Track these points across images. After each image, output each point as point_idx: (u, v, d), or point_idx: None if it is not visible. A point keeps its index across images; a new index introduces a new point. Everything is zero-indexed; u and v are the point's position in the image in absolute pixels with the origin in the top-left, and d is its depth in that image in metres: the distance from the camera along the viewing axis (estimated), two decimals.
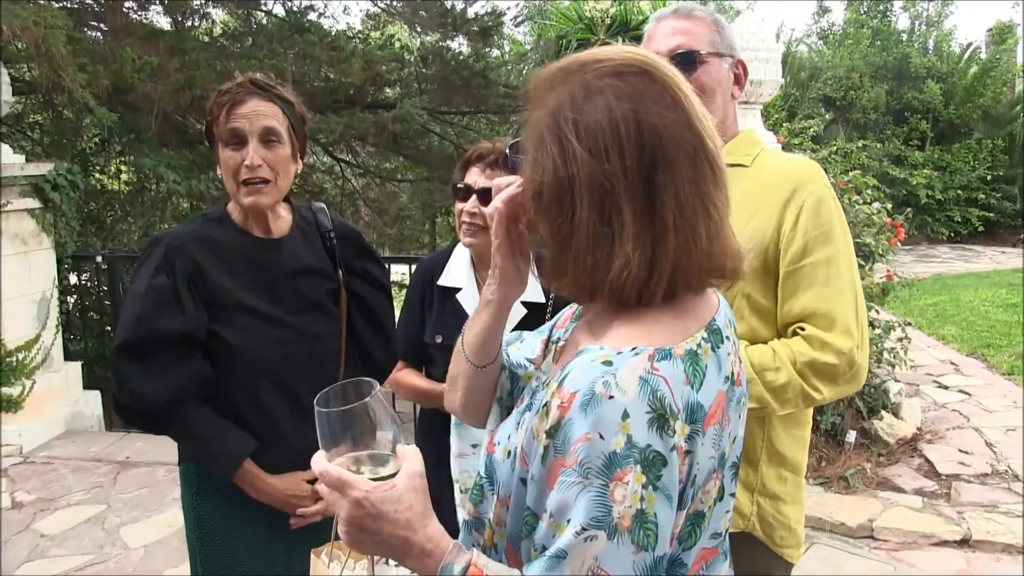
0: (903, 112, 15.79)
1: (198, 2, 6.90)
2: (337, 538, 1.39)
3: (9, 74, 5.25)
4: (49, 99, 6.36)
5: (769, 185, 1.61)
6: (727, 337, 0.98)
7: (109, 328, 6.03)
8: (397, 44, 7.97)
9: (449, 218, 10.01)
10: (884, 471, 4.41)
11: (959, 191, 15.15)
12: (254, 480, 1.79)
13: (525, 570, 0.86)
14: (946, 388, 6.08)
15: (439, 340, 2.11)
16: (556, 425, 0.84)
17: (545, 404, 0.87)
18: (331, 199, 7.85)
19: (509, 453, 0.96)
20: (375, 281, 2.02)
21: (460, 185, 2.04)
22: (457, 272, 2.15)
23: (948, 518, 3.89)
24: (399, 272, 7.68)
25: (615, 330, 0.92)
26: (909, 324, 6.22)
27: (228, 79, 1.83)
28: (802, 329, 1.55)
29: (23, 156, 5.32)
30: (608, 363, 0.85)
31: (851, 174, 5.47)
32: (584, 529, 0.81)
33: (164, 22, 6.96)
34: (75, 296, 6.21)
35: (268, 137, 1.73)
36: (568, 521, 0.82)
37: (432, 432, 2.15)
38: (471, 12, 7.32)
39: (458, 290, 2.13)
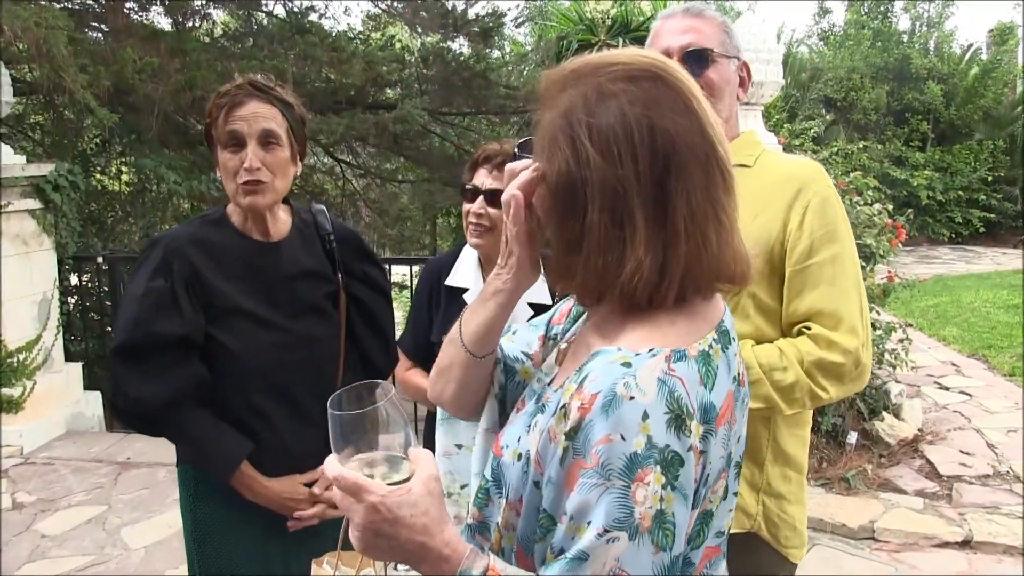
0: (904, 113, 15.79)
1: (199, 3, 6.91)
2: (344, 548, 1.37)
3: (10, 75, 5.26)
4: (50, 100, 6.37)
5: (773, 185, 1.62)
6: (733, 338, 0.98)
7: (110, 329, 6.03)
8: (398, 45, 7.98)
9: (450, 219, 10.01)
10: (885, 472, 4.41)
11: (960, 192, 15.14)
12: (251, 483, 1.78)
13: (544, 571, 0.85)
14: (947, 389, 6.08)
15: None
16: (576, 427, 0.84)
17: (563, 406, 0.87)
18: (332, 200, 7.85)
19: (519, 456, 0.95)
20: (375, 284, 2.02)
21: (468, 186, 2.04)
22: (465, 272, 2.16)
23: (949, 519, 3.88)
24: (400, 273, 7.68)
25: (630, 332, 0.92)
26: (910, 325, 6.22)
27: (229, 80, 1.82)
28: (808, 328, 1.55)
29: (24, 157, 5.33)
30: (627, 364, 0.86)
31: (852, 175, 5.47)
32: (606, 531, 0.81)
33: (165, 23, 6.97)
34: (76, 297, 6.21)
35: (267, 139, 1.73)
36: (589, 523, 0.82)
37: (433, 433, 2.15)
38: (472, 13, 7.32)
39: (465, 290, 2.13)
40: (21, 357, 4.97)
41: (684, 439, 0.84)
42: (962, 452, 4.73)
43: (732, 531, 1.56)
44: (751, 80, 1.75)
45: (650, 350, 0.88)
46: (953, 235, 15.35)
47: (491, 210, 1.98)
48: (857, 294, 1.57)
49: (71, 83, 4.81)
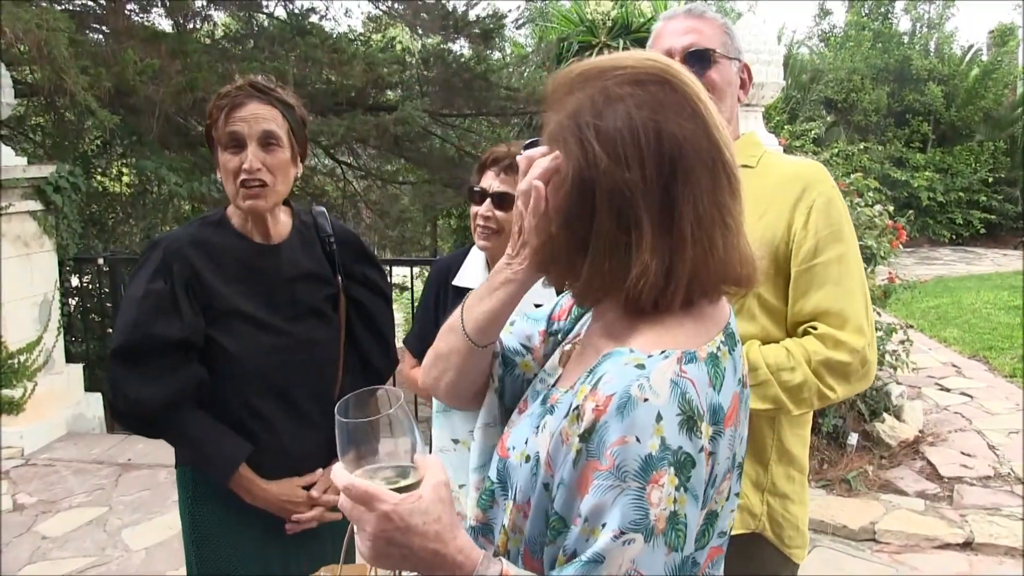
0: (904, 114, 15.78)
1: (200, 4, 6.91)
2: (348, 561, 1.35)
3: (11, 76, 5.26)
4: (51, 101, 6.38)
5: (776, 186, 1.62)
6: (738, 340, 0.99)
7: (111, 330, 6.03)
8: (398, 46, 7.98)
9: (450, 220, 10.02)
10: (886, 474, 4.41)
11: (960, 193, 15.13)
12: (249, 485, 1.78)
13: (556, 574, 0.85)
14: (948, 391, 6.07)
15: None
16: (591, 428, 0.83)
17: (576, 408, 0.87)
18: (332, 201, 7.85)
19: (528, 458, 0.95)
20: (375, 287, 2.01)
21: (475, 189, 2.04)
22: (472, 273, 2.16)
23: (950, 521, 3.88)
24: (400, 275, 7.68)
25: (640, 334, 0.93)
26: (911, 326, 6.22)
27: (230, 81, 1.82)
28: (814, 328, 1.55)
29: (25, 158, 5.34)
30: (641, 366, 0.86)
31: (853, 176, 5.48)
32: (622, 532, 0.81)
33: (166, 24, 6.97)
34: (77, 298, 6.21)
35: (267, 140, 1.72)
36: (603, 525, 0.82)
37: None
38: (472, 14, 7.32)
39: (472, 291, 2.13)
40: (22, 359, 4.97)
41: (696, 440, 0.84)
42: (963, 453, 4.72)
43: (737, 532, 1.58)
44: (752, 81, 1.75)
45: (662, 352, 0.88)
46: (954, 236, 15.34)
47: (498, 213, 1.98)
48: (862, 293, 1.58)
49: (72, 85, 4.81)
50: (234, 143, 1.72)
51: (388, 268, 7.71)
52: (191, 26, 7.01)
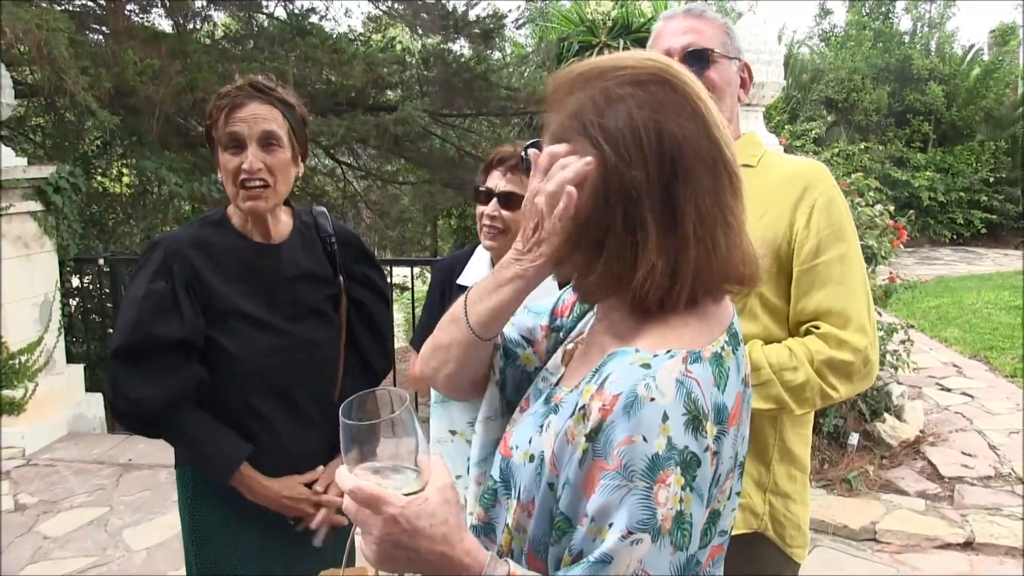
0: (905, 114, 15.77)
1: (200, 4, 6.92)
2: (350, 564, 1.34)
3: (11, 77, 5.26)
4: (51, 102, 6.38)
5: (777, 185, 1.62)
6: (741, 340, 0.99)
7: (111, 331, 6.03)
8: (398, 46, 7.98)
9: (450, 220, 10.02)
10: (887, 474, 4.40)
11: (961, 193, 15.12)
12: (250, 483, 1.78)
13: (563, 574, 0.85)
14: (949, 391, 6.07)
15: None
16: (597, 428, 0.83)
17: (582, 407, 0.86)
18: (332, 202, 7.86)
19: (532, 457, 0.94)
20: (375, 288, 2.02)
21: (482, 188, 2.05)
22: (477, 272, 2.16)
23: (951, 521, 3.88)
24: (401, 275, 7.68)
25: (645, 333, 0.93)
26: (912, 326, 6.22)
27: (230, 82, 1.81)
28: (816, 327, 1.55)
29: (25, 159, 5.34)
30: (647, 366, 0.86)
31: (853, 176, 5.48)
32: (630, 532, 0.81)
33: (166, 25, 6.98)
34: (77, 299, 6.22)
35: (267, 141, 1.72)
36: (611, 525, 0.82)
37: None
38: (472, 14, 7.32)
39: None
40: (23, 359, 4.97)
41: (701, 440, 0.84)
42: (964, 453, 4.72)
43: (739, 531, 1.58)
44: (752, 81, 1.75)
45: (668, 351, 0.88)
46: (954, 236, 15.33)
47: (505, 212, 1.99)
48: (864, 293, 1.58)
49: (72, 85, 4.82)
50: (234, 144, 1.71)
51: (388, 268, 7.72)
52: (191, 26, 7.02)
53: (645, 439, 0.81)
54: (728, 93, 1.67)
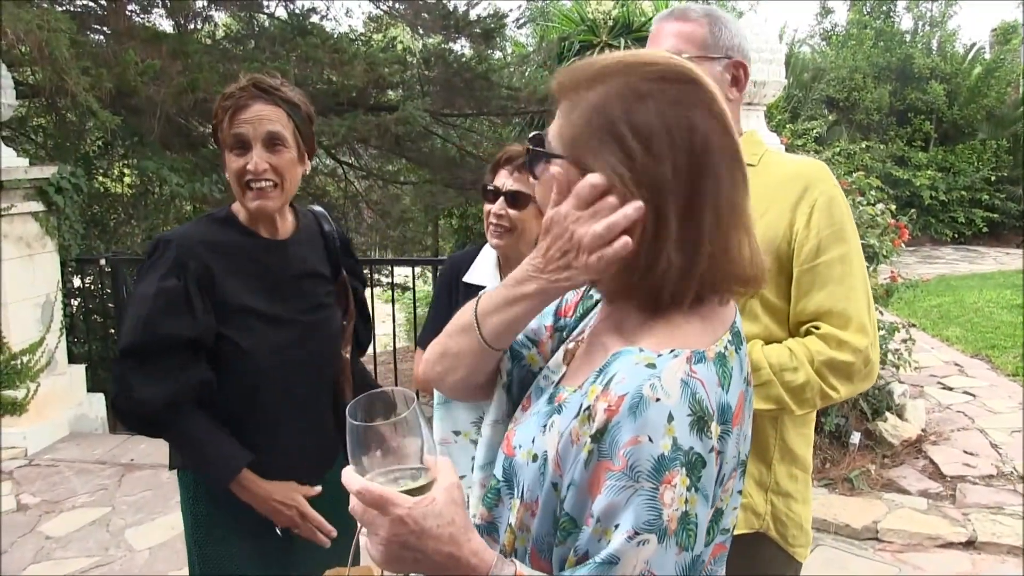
0: (906, 113, 15.76)
1: (201, 5, 6.92)
2: (355, 563, 1.34)
3: (12, 77, 5.26)
4: (52, 102, 6.38)
5: (778, 184, 1.61)
6: (744, 339, 0.99)
7: (113, 331, 6.04)
8: (399, 46, 7.98)
9: (452, 220, 10.02)
10: (889, 473, 4.40)
11: (963, 192, 15.10)
12: (246, 483, 1.77)
13: (570, 574, 0.85)
14: (950, 389, 6.07)
15: None
16: (603, 429, 0.83)
17: (587, 408, 0.86)
18: (334, 202, 7.87)
19: (535, 457, 0.94)
20: (359, 275, 2.11)
21: (489, 187, 2.05)
22: (483, 270, 2.17)
23: (953, 520, 3.87)
24: (402, 275, 7.69)
25: (650, 332, 0.93)
26: (913, 325, 6.21)
27: (231, 82, 1.81)
28: (816, 328, 1.55)
29: (27, 159, 5.34)
30: (652, 366, 0.86)
31: (855, 175, 5.47)
32: (636, 533, 0.80)
33: (167, 25, 6.98)
34: (79, 299, 6.22)
35: (272, 142, 1.72)
36: (617, 526, 0.81)
37: None
38: (473, 14, 7.33)
39: (483, 288, 2.14)
40: (24, 359, 4.98)
41: (706, 440, 0.84)
42: (966, 452, 4.72)
43: (741, 531, 1.58)
44: (747, 78, 1.71)
45: (672, 351, 0.88)
46: (956, 235, 15.31)
47: (512, 211, 1.99)
48: (864, 293, 1.57)
49: (73, 86, 4.82)
50: (239, 145, 1.72)
51: (390, 268, 7.74)
52: (192, 27, 7.02)
53: (651, 440, 0.81)
54: None
